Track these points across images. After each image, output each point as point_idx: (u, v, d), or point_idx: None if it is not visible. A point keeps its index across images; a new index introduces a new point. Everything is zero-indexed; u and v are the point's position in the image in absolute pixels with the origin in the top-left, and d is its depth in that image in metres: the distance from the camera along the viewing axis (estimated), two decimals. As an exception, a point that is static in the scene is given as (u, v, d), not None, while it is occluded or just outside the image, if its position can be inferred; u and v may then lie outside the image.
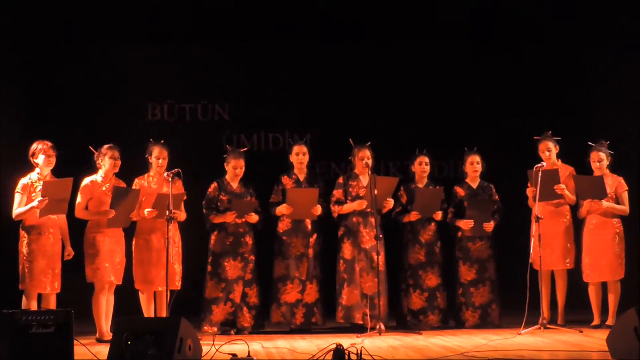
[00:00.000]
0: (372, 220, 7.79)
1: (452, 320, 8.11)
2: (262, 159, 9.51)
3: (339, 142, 8.10)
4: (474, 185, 8.18)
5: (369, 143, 7.96)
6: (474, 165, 8.12)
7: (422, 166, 8.11)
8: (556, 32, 9.57)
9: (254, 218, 7.84)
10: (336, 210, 7.97)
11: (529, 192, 7.82)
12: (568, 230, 7.91)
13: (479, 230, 7.98)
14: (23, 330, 5.43)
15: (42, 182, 7.05)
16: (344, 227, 8.02)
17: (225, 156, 7.96)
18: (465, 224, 7.98)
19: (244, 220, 7.80)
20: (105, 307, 7.27)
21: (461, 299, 8.05)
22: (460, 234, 8.09)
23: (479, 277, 8.04)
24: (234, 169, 7.88)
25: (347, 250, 7.94)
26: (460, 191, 8.17)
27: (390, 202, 7.83)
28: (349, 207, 7.94)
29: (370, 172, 7.74)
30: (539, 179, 7.51)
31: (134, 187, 7.51)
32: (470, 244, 8.06)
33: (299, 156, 8.03)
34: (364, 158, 7.90)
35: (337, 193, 8.03)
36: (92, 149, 7.44)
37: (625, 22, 9.20)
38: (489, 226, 8.00)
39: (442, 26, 9.65)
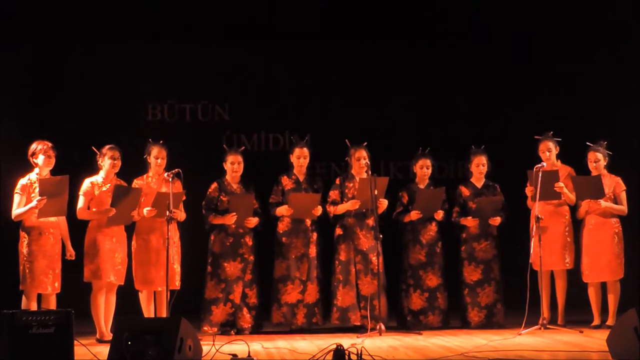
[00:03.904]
0: (369, 221, 7.80)
1: (457, 320, 8.10)
2: (262, 159, 9.52)
3: (339, 142, 8.09)
4: (479, 185, 8.18)
5: (365, 143, 7.96)
6: (479, 167, 8.12)
7: (423, 170, 8.11)
8: (556, 32, 9.57)
9: (252, 222, 7.83)
10: (331, 210, 7.97)
11: (528, 191, 7.83)
12: (567, 230, 7.90)
13: (485, 226, 7.99)
14: (23, 330, 5.43)
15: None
16: (339, 228, 8.02)
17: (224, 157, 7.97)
18: (471, 222, 7.98)
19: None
20: (103, 307, 7.27)
21: (467, 299, 8.05)
22: (464, 234, 8.10)
23: (485, 277, 8.04)
24: (232, 164, 7.87)
25: (342, 252, 7.94)
26: (465, 191, 8.18)
27: (384, 202, 7.82)
28: (342, 208, 7.94)
29: (369, 172, 7.72)
30: (539, 179, 7.52)
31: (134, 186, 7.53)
32: (475, 243, 8.06)
33: (300, 159, 8.02)
34: (360, 158, 7.90)
35: (333, 194, 8.03)
36: (94, 149, 7.44)
37: (626, 23, 9.20)
38: (495, 220, 8.00)
39: (442, 26, 9.65)
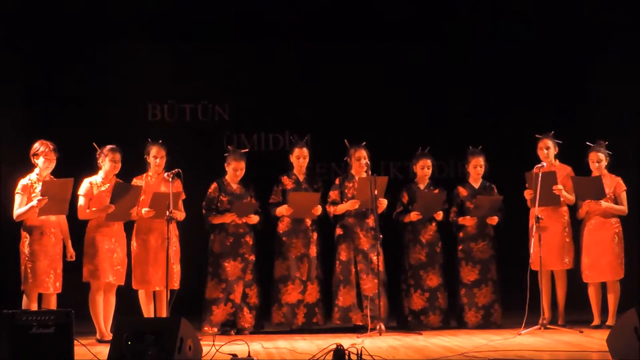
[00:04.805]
0: (369, 221, 7.80)
1: (453, 320, 8.11)
2: (262, 159, 9.50)
3: (339, 142, 8.09)
4: (476, 186, 8.18)
5: (364, 143, 7.96)
6: (477, 169, 8.12)
7: (423, 170, 8.11)
8: (556, 32, 9.57)
9: (254, 219, 7.85)
10: (331, 210, 7.97)
11: (527, 194, 7.82)
12: (566, 230, 7.90)
13: (482, 226, 7.99)
14: (23, 330, 5.44)
15: (41, 182, 7.05)
16: (340, 228, 8.02)
17: (225, 155, 7.97)
18: (470, 220, 7.98)
19: (243, 220, 7.82)
20: (102, 307, 7.27)
21: (463, 299, 8.04)
22: (462, 234, 8.10)
23: (481, 277, 8.03)
24: (234, 170, 7.88)
25: (343, 252, 7.94)
26: (462, 191, 8.18)
27: (384, 202, 7.82)
28: (342, 208, 7.94)
29: (369, 172, 7.72)
30: (539, 179, 7.51)
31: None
32: (473, 244, 8.06)
33: (300, 160, 8.03)
34: (360, 158, 7.90)
35: (333, 194, 8.03)
36: (95, 145, 7.44)
37: (626, 23, 9.20)
38: (493, 220, 8.00)
39: (442, 25, 9.65)
